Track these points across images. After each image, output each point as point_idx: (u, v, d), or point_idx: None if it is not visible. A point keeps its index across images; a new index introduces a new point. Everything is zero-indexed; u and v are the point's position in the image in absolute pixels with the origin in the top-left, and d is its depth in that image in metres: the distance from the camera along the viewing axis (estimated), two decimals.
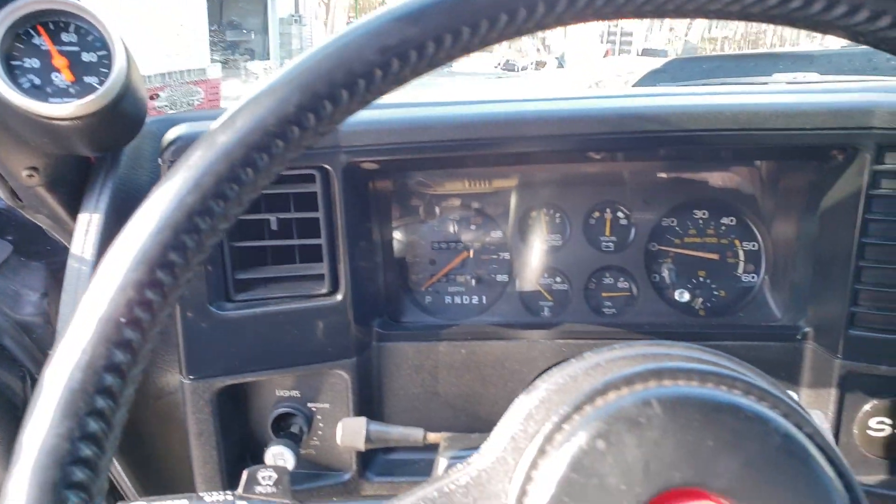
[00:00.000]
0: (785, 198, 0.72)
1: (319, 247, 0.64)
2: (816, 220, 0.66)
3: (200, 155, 0.33)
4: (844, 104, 0.59)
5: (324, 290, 0.65)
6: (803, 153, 0.65)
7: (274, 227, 0.64)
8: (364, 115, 0.63)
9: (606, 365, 0.36)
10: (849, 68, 1.12)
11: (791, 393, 0.50)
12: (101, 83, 0.60)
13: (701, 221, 0.76)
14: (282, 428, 0.69)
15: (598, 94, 0.96)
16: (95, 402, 0.31)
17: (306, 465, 0.70)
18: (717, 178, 0.76)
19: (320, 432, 0.70)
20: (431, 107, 0.66)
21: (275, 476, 0.46)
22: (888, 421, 0.65)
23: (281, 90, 0.33)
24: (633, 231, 0.77)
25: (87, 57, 0.61)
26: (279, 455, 0.64)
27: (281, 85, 0.34)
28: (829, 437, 0.34)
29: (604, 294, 0.78)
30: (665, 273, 0.76)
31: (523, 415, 0.35)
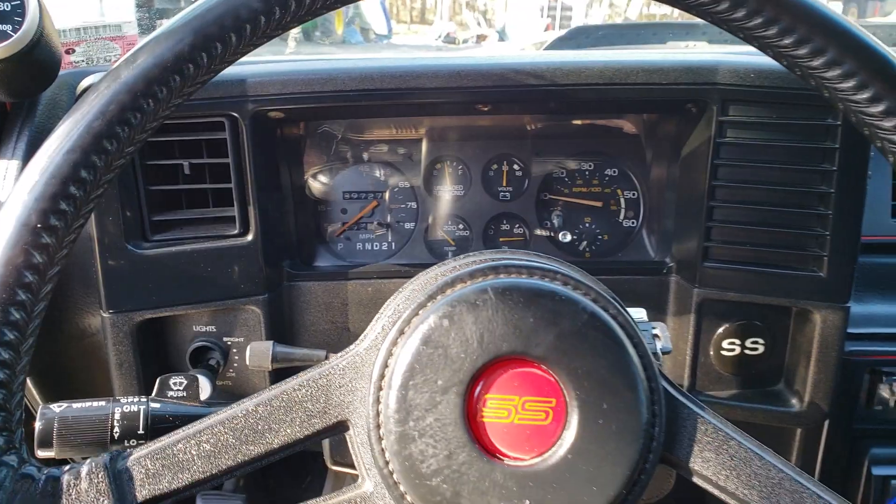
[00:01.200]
0: (657, 149, 0.82)
1: (230, 191, 0.70)
2: (679, 168, 0.76)
3: (107, 86, 0.39)
4: (694, 62, 0.69)
5: (235, 232, 0.71)
6: (664, 106, 0.74)
7: (187, 171, 0.70)
8: (270, 67, 0.69)
9: (460, 266, 0.44)
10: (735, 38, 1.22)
11: (660, 324, 0.59)
12: (14, 31, 0.64)
13: (587, 173, 0.86)
14: (200, 361, 0.75)
15: (490, 54, 1.04)
16: (16, 295, 0.37)
17: (224, 395, 0.77)
18: (600, 133, 0.85)
19: (236, 365, 0.76)
20: (337, 62, 0.72)
21: (185, 382, 0.52)
22: (737, 342, 0.76)
23: (178, 33, 0.40)
24: (526, 182, 0.85)
25: (0, 7, 0.64)
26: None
27: (178, 28, 0.40)
28: (631, 318, 0.42)
29: (501, 239, 0.86)
30: (555, 220, 0.86)
31: (391, 309, 0.43)
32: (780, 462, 0.41)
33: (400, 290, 0.45)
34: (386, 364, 0.40)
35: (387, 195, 0.85)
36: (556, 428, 0.40)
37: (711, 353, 0.77)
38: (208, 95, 0.66)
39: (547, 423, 0.40)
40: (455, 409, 0.39)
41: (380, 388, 0.40)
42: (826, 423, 0.81)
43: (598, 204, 0.86)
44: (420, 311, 0.41)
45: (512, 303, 0.40)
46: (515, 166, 0.85)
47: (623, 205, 0.86)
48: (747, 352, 0.76)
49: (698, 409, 0.42)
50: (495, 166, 0.85)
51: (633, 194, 0.85)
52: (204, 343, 0.75)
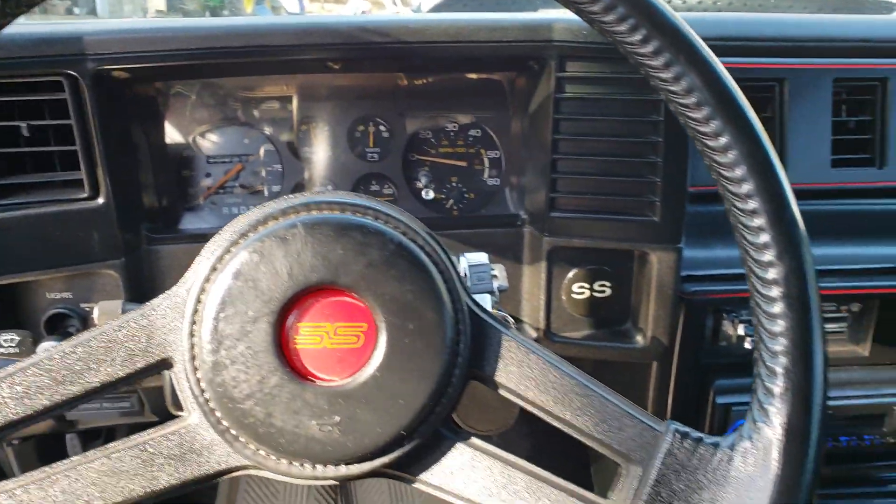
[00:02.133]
0: (515, 107, 0.86)
1: (76, 152, 0.69)
2: (528, 124, 0.81)
3: None
4: (532, 20, 0.73)
5: (84, 195, 0.71)
6: (510, 64, 0.79)
7: (26, 133, 0.68)
8: (111, 25, 0.69)
9: (276, 204, 0.46)
10: None
11: (498, 265, 0.63)
12: None
13: (452, 133, 0.89)
14: (57, 329, 0.75)
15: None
16: None
17: None
18: (466, 93, 0.89)
19: None
20: (184, 21, 0.72)
21: (17, 339, 0.53)
22: (586, 286, 0.82)
23: None
24: (393, 142, 0.88)
25: None
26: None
27: None
28: (440, 249, 0.45)
29: None
30: (422, 179, 0.89)
31: (208, 248, 0.45)
32: (575, 371, 0.46)
33: (219, 231, 0.47)
34: (199, 300, 0.42)
35: (254, 158, 0.86)
36: (366, 350, 0.43)
37: (564, 297, 0.82)
38: (42, 53, 0.65)
39: (358, 345, 0.44)
40: (266, 338, 0.42)
41: (193, 322, 0.42)
42: (676, 359, 0.88)
43: (463, 164, 0.89)
44: (232, 249, 0.43)
45: (322, 236, 0.43)
46: (382, 127, 0.88)
47: (487, 164, 0.90)
48: (596, 295, 0.82)
49: (503, 328, 0.47)
50: (362, 127, 0.88)
51: (496, 153, 0.90)
52: (60, 310, 0.74)
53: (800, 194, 0.94)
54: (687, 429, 0.45)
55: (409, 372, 0.43)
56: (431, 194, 0.88)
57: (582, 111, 0.75)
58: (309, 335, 0.43)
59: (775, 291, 0.42)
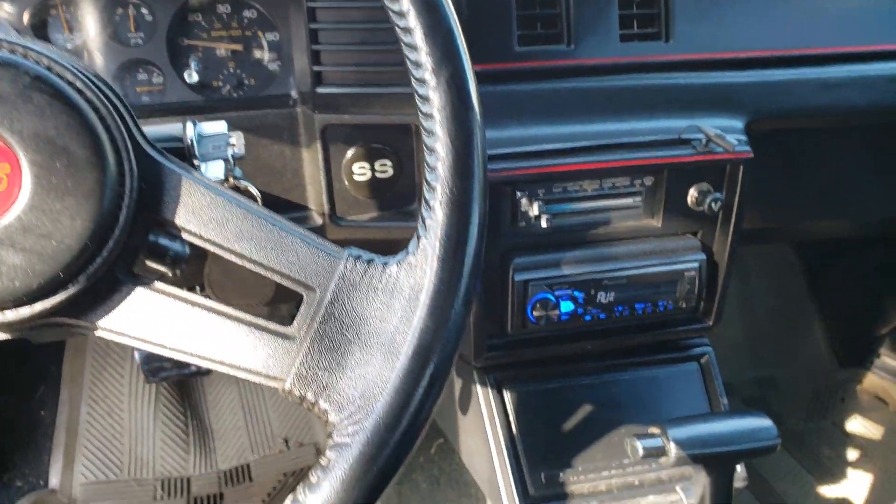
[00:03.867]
0: None
1: None
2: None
3: None
4: None
5: None
6: None
7: None
8: None
9: None
10: None
11: (237, 133, 0.61)
12: None
13: (224, 16, 0.86)
14: None
15: None
16: None
17: None
18: None
19: None
20: None
21: None
22: (366, 165, 0.82)
23: None
24: (156, 25, 0.83)
25: None
26: None
27: None
28: (93, 83, 0.43)
29: (138, 89, 0.85)
30: (192, 65, 0.85)
31: None
32: (256, 208, 0.46)
33: None
34: None
35: None
36: (11, 191, 0.41)
37: (345, 179, 0.82)
38: None
39: (2, 188, 0.41)
40: None
41: None
42: None
43: (239, 47, 0.86)
44: None
45: None
46: (144, 10, 0.83)
47: (266, 46, 0.87)
48: (379, 175, 0.82)
49: (181, 170, 0.46)
50: (120, 10, 0.82)
51: (275, 35, 0.87)
52: None
53: (590, 70, 0.99)
54: (361, 252, 0.46)
55: (59, 213, 0.41)
56: (203, 80, 0.85)
57: None
58: None
59: (434, 104, 0.43)
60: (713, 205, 0.96)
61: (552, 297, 0.96)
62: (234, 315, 0.45)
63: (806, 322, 1.73)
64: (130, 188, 0.43)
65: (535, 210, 0.92)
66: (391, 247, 0.92)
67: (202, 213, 0.45)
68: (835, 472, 1.53)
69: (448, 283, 0.43)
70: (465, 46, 0.43)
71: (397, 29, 0.43)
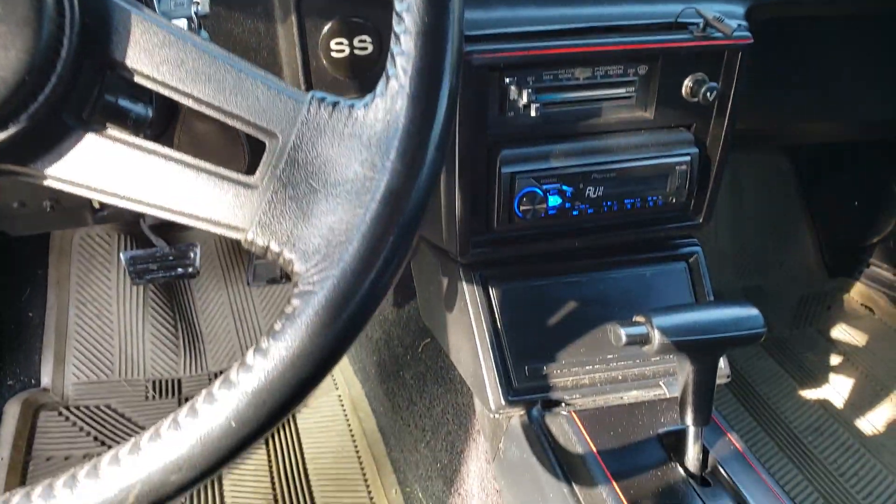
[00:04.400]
0: None
1: None
2: None
3: None
4: None
5: None
6: None
7: None
8: None
9: None
10: None
11: None
12: None
13: None
14: None
15: None
16: None
17: None
18: None
19: None
20: None
21: None
22: (345, 41, 0.77)
23: None
24: None
25: None
26: None
27: None
28: None
29: None
30: None
31: None
32: (215, 50, 0.43)
33: None
34: None
35: None
36: None
37: (322, 56, 0.78)
38: None
39: None
40: None
41: None
42: (458, 130, 0.87)
43: None
44: None
45: None
46: None
47: None
48: (357, 52, 0.78)
49: (132, 6, 0.42)
50: None
51: None
52: None
53: None
54: (326, 95, 0.43)
55: None
56: None
57: None
58: None
59: None
60: (708, 94, 0.93)
61: (539, 191, 0.94)
62: (193, 164, 0.43)
63: (796, 232, 1.72)
64: (71, 20, 0.40)
65: (524, 99, 0.89)
66: None
67: (155, 53, 0.42)
68: (817, 376, 1.55)
69: (420, 124, 0.40)
70: None
71: None
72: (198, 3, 0.57)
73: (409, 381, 1.32)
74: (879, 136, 1.45)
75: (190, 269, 1.27)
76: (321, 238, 0.41)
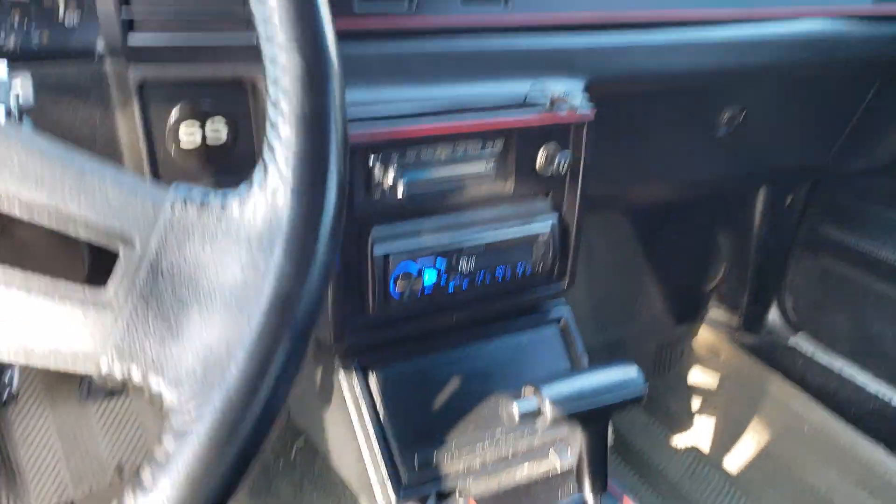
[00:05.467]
0: None
1: None
2: None
3: None
4: None
5: None
6: None
7: None
8: None
9: None
10: None
11: None
12: None
13: None
14: None
15: None
16: None
17: None
18: None
19: None
20: None
21: None
22: (196, 130, 0.71)
23: None
24: None
25: None
26: None
27: None
28: None
29: None
30: None
31: None
32: (60, 148, 0.36)
33: None
34: None
35: None
36: None
37: (171, 146, 0.71)
38: None
39: None
40: None
41: None
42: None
43: None
44: None
45: None
46: None
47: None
48: (210, 141, 0.72)
49: None
50: None
51: None
52: None
53: (433, 31, 0.94)
54: (191, 188, 0.37)
55: None
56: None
57: None
58: None
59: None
60: (561, 166, 0.97)
61: (414, 270, 0.92)
62: (20, 280, 0.34)
63: (644, 284, 1.83)
64: None
65: (390, 178, 0.87)
66: None
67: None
68: (683, 421, 1.62)
69: (308, 218, 0.35)
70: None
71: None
72: (17, 94, 0.49)
73: (284, 492, 1.20)
74: (701, 194, 1.60)
75: (4, 397, 1.08)
76: (196, 358, 0.34)
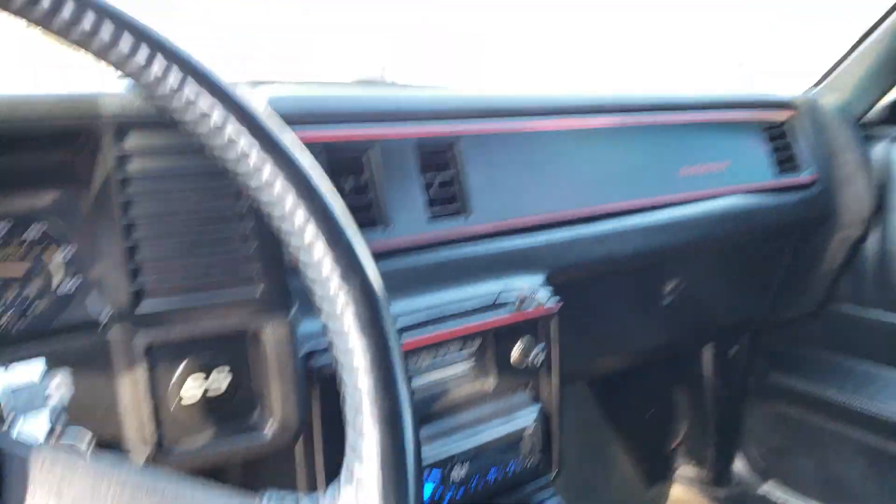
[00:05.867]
0: (82, 194, 0.72)
1: None
2: (96, 208, 0.70)
3: None
4: (73, 94, 0.65)
5: None
6: (52, 142, 0.67)
7: None
8: None
9: None
10: None
11: None
12: None
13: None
14: None
15: None
16: None
17: None
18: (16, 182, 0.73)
19: None
20: None
21: None
22: (198, 386, 0.71)
23: None
24: None
25: None
26: None
27: None
28: None
29: None
30: None
31: None
32: (134, 472, 0.37)
33: None
34: None
35: None
36: None
37: (174, 403, 0.71)
38: None
39: None
40: None
41: None
42: (320, 439, 0.84)
43: (17, 274, 0.72)
44: None
45: None
46: None
47: (60, 262, 0.74)
48: (211, 394, 0.73)
49: (20, 448, 0.35)
50: None
51: (71, 249, 0.75)
52: None
53: (404, 250, 1.01)
54: (286, 495, 0.39)
55: None
56: None
57: (154, 188, 0.68)
58: None
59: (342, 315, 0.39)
60: (536, 358, 1.02)
61: None
62: None
63: (612, 451, 1.85)
64: None
65: None
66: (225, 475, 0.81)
67: (67, 495, 0.34)
68: None
69: None
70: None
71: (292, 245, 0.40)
72: (58, 388, 0.49)
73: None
74: (655, 358, 1.69)
75: None
76: None
